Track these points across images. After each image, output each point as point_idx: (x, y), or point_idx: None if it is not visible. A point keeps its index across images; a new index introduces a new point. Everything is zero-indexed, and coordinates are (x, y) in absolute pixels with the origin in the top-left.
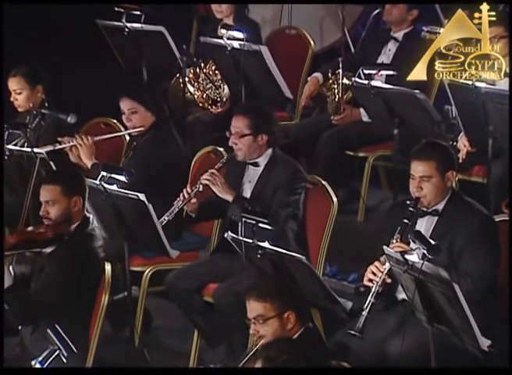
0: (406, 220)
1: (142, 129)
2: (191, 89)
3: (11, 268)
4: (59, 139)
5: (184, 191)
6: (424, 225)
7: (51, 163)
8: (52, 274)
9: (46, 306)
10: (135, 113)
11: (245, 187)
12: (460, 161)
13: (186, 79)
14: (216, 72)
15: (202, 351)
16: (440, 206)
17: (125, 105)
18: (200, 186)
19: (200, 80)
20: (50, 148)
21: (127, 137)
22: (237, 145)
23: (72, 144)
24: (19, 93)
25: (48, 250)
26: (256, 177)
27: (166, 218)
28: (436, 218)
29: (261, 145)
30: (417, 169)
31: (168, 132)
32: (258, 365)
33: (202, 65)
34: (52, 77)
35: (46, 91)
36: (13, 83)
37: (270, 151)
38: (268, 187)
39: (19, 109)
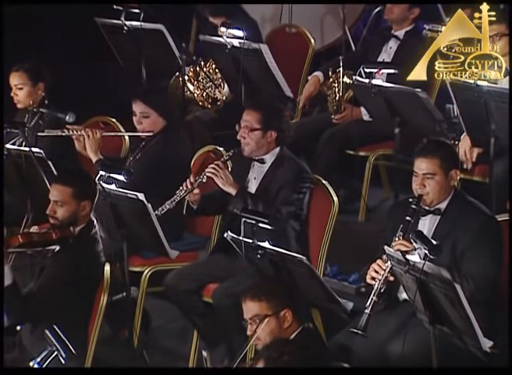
0: (408, 217)
1: (151, 134)
2: (191, 87)
3: (9, 266)
4: (68, 127)
5: (187, 180)
6: (427, 224)
7: (50, 163)
8: (52, 275)
9: (45, 306)
10: (147, 118)
11: (250, 184)
12: (470, 167)
13: (186, 77)
14: (216, 70)
15: (201, 352)
16: (443, 205)
17: (138, 107)
18: (204, 177)
19: (200, 78)
20: (57, 132)
21: (126, 138)
22: (245, 139)
23: (79, 133)
24: (20, 88)
25: (51, 251)
26: (261, 174)
27: (167, 206)
28: (439, 217)
29: (270, 142)
30: (421, 166)
31: (178, 136)
32: (260, 365)
33: (202, 63)
34: (51, 76)
35: (47, 89)
36: (15, 78)
37: (277, 149)
38: (273, 184)
39: (19, 105)
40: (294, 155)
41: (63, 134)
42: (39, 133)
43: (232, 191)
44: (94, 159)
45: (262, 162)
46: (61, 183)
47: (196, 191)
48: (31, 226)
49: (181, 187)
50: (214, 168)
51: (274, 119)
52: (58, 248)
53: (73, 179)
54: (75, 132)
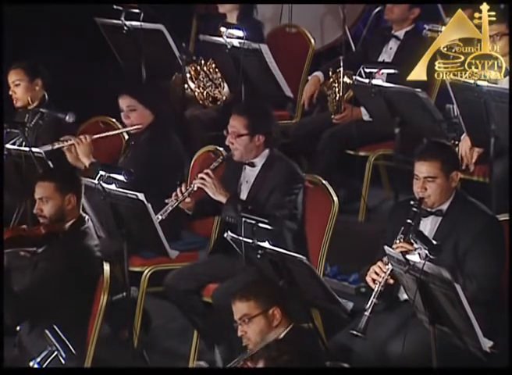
0: (409, 221)
1: (140, 127)
2: (192, 85)
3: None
4: (60, 139)
5: (178, 190)
6: (429, 225)
7: (49, 162)
8: (45, 271)
9: (40, 303)
10: (133, 111)
11: (242, 188)
12: (472, 169)
13: (188, 75)
14: (216, 70)
15: (201, 352)
16: (444, 206)
17: (124, 102)
18: (195, 186)
19: (200, 77)
20: (49, 147)
21: (125, 136)
22: (234, 145)
23: (70, 142)
24: (17, 84)
25: (42, 248)
26: (253, 178)
27: (160, 216)
28: (440, 218)
29: (258, 146)
30: (422, 169)
31: (167, 131)
32: (260, 365)
33: (202, 62)
34: (51, 76)
35: (45, 86)
36: (12, 75)
37: (267, 151)
38: (265, 188)
39: (18, 104)
40: (285, 156)
41: (55, 147)
42: (33, 149)
43: (223, 199)
44: (87, 163)
45: (253, 165)
46: (43, 180)
47: (188, 199)
48: (28, 225)
49: (172, 197)
50: (202, 178)
51: (260, 122)
52: (48, 244)
53: (54, 174)
54: (66, 143)
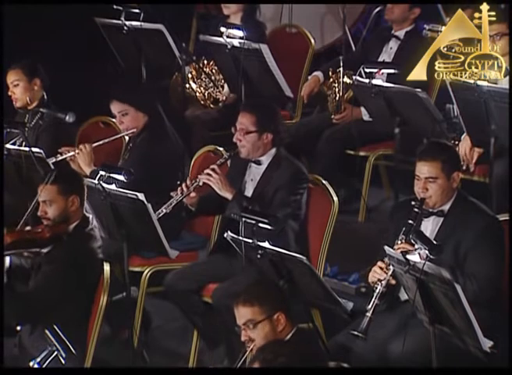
0: (410, 221)
1: (134, 131)
2: (193, 86)
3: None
4: (60, 150)
5: (183, 184)
6: (430, 226)
7: (49, 162)
8: (49, 273)
9: (43, 305)
10: (126, 115)
11: (247, 185)
12: (472, 169)
13: (189, 75)
14: (218, 71)
15: (201, 352)
16: (446, 207)
17: (115, 108)
18: (201, 181)
19: (202, 77)
20: (52, 159)
21: (127, 138)
22: (241, 142)
23: (71, 153)
24: (16, 85)
25: (46, 249)
26: (258, 176)
27: (164, 210)
28: (442, 219)
29: (266, 144)
30: (423, 169)
31: (163, 131)
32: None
33: (205, 62)
34: (51, 76)
35: (44, 86)
36: (11, 76)
37: (274, 150)
38: (270, 186)
39: (17, 104)
40: (291, 156)
41: (58, 159)
42: (33, 149)
43: (229, 196)
44: (87, 172)
45: (259, 163)
46: (46, 183)
47: (193, 194)
48: (26, 227)
49: (177, 191)
50: (209, 173)
51: (269, 120)
52: (53, 246)
53: (57, 176)
54: (67, 154)
